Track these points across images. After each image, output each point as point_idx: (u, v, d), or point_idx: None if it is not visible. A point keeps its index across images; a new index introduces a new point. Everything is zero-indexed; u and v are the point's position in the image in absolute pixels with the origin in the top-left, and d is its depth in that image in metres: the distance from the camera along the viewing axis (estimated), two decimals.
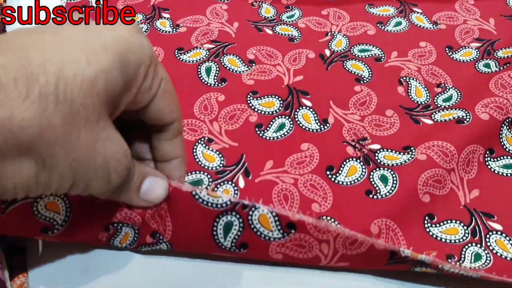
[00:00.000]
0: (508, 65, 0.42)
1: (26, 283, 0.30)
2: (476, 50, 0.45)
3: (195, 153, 0.37)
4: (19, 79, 0.20)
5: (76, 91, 0.21)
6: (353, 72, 0.43)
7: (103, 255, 0.32)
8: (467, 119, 0.38)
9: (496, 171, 0.37)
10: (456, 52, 0.45)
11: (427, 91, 0.41)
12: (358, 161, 0.36)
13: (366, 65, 0.43)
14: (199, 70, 0.43)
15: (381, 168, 0.36)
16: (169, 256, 0.32)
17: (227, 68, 0.43)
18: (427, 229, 0.33)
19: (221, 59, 0.44)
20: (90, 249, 0.32)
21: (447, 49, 0.45)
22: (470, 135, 0.37)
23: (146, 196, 0.29)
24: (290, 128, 0.39)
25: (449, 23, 0.47)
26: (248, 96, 0.41)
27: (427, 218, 0.34)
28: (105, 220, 0.30)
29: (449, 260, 0.32)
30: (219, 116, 0.39)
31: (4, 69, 0.20)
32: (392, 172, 0.35)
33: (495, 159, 0.37)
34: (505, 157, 0.37)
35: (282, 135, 0.38)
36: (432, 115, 0.39)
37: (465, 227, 0.34)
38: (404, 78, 0.42)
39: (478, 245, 0.33)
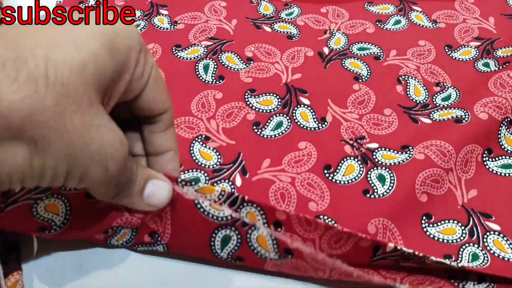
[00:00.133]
0: (507, 64, 0.42)
1: (20, 280, 0.30)
2: (476, 49, 0.45)
3: (192, 151, 0.36)
4: (7, 62, 0.20)
5: (66, 74, 0.21)
6: (351, 70, 0.43)
7: (97, 253, 0.32)
8: (466, 119, 0.38)
9: (494, 171, 0.37)
10: (456, 51, 0.44)
11: (426, 90, 0.41)
12: (356, 160, 0.36)
13: (365, 64, 0.43)
14: (196, 67, 0.42)
15: (379, 167, 0.36)
16: (164, 255, 0.32)
17: (225, 65, 0.43)
18: (425, 229, 0.33)
19: (219, 56, 0.43)
20: (85, 247, 0.32)
21: (446, 48, 0.45)
22: (468, 134, 0.37)
23: (149, 199, 0.28)
24: (288, 127, 0.38)
25: (449, 22, 0.47)
26: (246, 94, 0.40)
27: (424, 218, 0.34)
28: (104, 225, 0.30)
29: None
30: (217, 114, 0.39)
31: None
32: (389, 172, 0.35)
33: (493, 159, 0.37)
34: (503, 157, 0.37)
35: (280, 134, 0.38)
36: (431, 114, 0.39)
37: (462, 227, 0.33)
38: (403, 76, 0.42)
39: (476, 245, 0.33)
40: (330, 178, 0.35)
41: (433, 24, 0.47)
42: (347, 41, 0.45)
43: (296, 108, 0.39)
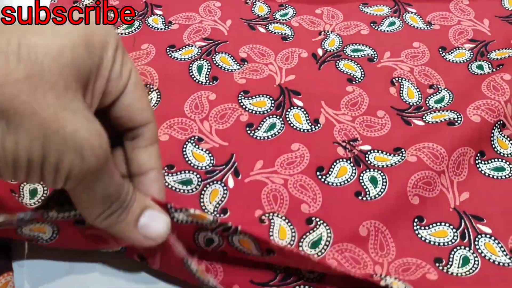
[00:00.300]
0: (501, 67, 0.42)
1: (11, 282, 0.30)
2: (470, 51, 0.45)
3: (184, 152, 0.36)
4: None
5: (40, 56, 0.20)
6: (345, 72, 0.43)
7: (89, 254, 0.32)
8: (459, 121, 0.38)
9: (486, 174, 0.37)
10: (450, 53, 0.44)
11: (419, 92, 0.41)
12: (349, 162, 0.36)
13: (358, 65, 0.43)
14: (190, 68, 0.42)
15: (371, 170, 0.36)
16: None
17: (219, 66, 0.43)
18: (416, 232, 0.33)
19: (213, 57, 0.43)
20: (76, 249, 0.32)
21: (440, 49, 0.45)
22: (461, 137, 0.37)
23: (145, 229, 0.26)
24: (281, 128, 0.38)
25: (443, 24, 0.47)
26: (240, 95, 0.40)
27: (416, 220, 0.34)
28: (93, 246, 0.30)
29: (436, 264, 0.32)
30: (210, 115, 0.39)
31: None
32: (382, 174, 0.35)
33: (486, 162, 0.37)
34: (496, 159, 0.37)
35: (273, 135, 0.38)
36: (424, 117, 0.39)
37: (454, 230, 0.33)
38: (397, 78, 0.42)
39: (467, 248, 0.33)
40: (322, 180, 0.35)
41: (428, 26, 0.47)
42: (341, 42, 0.45)
43: (289, 110, 0.39)
